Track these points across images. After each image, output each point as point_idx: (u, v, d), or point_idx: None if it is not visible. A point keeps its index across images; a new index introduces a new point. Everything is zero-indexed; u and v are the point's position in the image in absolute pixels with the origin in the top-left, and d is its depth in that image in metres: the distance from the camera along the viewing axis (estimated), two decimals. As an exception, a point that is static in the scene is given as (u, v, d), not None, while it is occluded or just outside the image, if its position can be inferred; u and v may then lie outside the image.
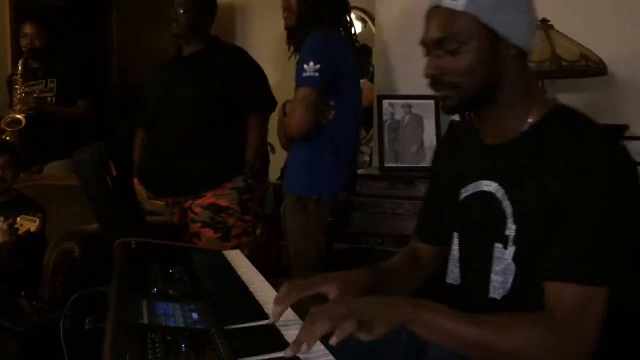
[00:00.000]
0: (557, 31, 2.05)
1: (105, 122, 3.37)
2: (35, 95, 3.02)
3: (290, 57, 2.01)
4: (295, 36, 1.99)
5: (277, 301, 0.95)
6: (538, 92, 1.01)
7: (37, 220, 2.01)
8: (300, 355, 0.79)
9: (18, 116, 2.95)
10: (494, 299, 0.98)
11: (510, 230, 0.96)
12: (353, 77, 2.01)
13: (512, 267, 0.96)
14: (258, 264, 1.30)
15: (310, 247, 1.92)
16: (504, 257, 0.97)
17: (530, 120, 0.98)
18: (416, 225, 1.26)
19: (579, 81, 2.12)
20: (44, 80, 3.08)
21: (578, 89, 2.19)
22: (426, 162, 2.19)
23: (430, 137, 2.21)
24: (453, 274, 1.09)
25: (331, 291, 1.00)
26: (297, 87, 1.84)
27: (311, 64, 1.80)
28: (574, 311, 0.85)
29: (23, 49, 3.08)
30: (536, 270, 0.91)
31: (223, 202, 2.23)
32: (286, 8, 1.97)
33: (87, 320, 1.12)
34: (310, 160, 1.93)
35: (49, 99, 3.05)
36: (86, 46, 3.52)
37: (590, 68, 1.97)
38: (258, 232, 2.59)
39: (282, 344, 0.83)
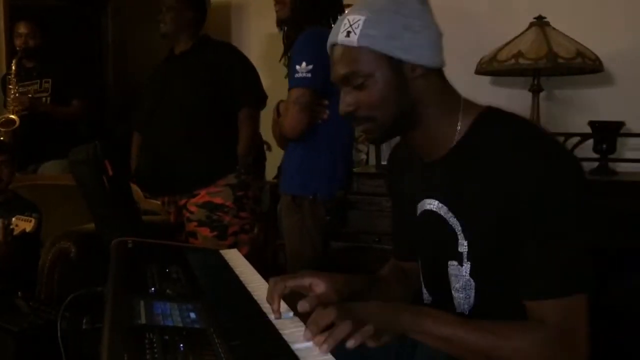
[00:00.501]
0: (554, 28, 2.05)
1: (102, 121, 3.35)
2: (30, 96, 3.00)
3: (281, 59, 2.00)
4: (288, 31, 1.97)
5: (269, 298, 0.97)
6: (460, 101, 0.99)
7: (33, 221, 2.00)
8: (301, 355, 0.79)
9: (12, 116, 2.94)
10: (462, 314, 0.97)
11: (463, 246, 0.95)
12: None
13: (472, 282, 0.95)
14: (255, 263, 1.30)
15: (306, 247, 1.92)
16: (461, 274, 0.96)
17: (458, 129, 0.96)
18: (392, 246, 1.24)
19: (575, 78, 2.13)
20: (38, 81, 3.07)
21: (574, 86, 2.20)
22: (423, 160, 2.19)
23: (426, 135, 2.21)
24: (424, 293, 1.08)
25: (317, 284, 0.99)
26: (290, 88, 1.83)
27: (304, 64, 1.78)
28: (559, 325, 0.85)
29: (17, 48, 3.06)
30: (495, 283, 0.92)
31: (218, 200, 2.23)
32: (278, 0, 1.96)
33: (84, 320, 1.12)
34: (305, 160, 1.93)
35: (43, 99, 3.04)
36: (81, 46, 3.50)
37: (586, 65, 1.97)
38: (255, 230, 2.59)
39: (280, 342, 0.83)
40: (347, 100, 0.98)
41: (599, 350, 0.89)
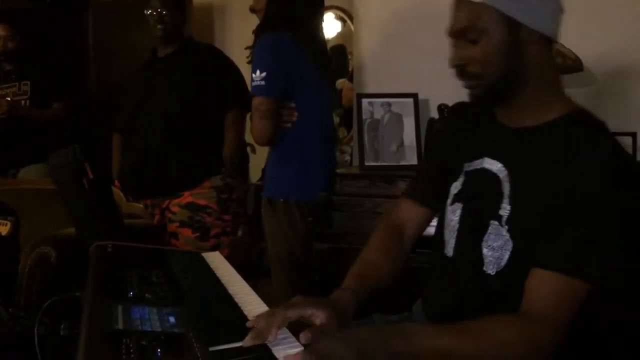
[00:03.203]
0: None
1: (83, 124, 3.31)
2: (9, 99, 2.96)
3: (248, 62, 2.01)
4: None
5: (264, 329, 0.85)
6: (562, 90, 1.04)
7: (8, 224, 1.97)
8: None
9: (-10, 120, 2.89)
10: (489, 275, 0.99)
11: (505, 210, 0.98)
12: (313, 76, 1.97)
13: (510, 244, 0.97)
14: (239, 266, 1.29)
15: (283, 249, 1.92)
16: (501, 234, 0.98)
17: (550, 115, 1.00)
18: (408, 187, 1.26)
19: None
20: (17, 83, 3.02)
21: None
22: (406, 161, 2.19)
23: (410, 136, 2.22)
24: (449, 245, 1.09)
25: (317, 315, 0.93)
26: (250, 96, 1.86)
27: (257, 72, 1.81)
28: (550, 298, 0.88)
29: (-5, 51, 3.02)
30: (531, 250, 0.93)
31: (201, 202, 2.22)
32: (254, 10, 1.96)
33: (62, 326, 1.10)
34: (277, 163, 1.95)
35: (22, 102, 2.99)
36: (62, 48, 3.46)
37: (566, 65, 1.99)
38: (240, 233, 2.57)
39: (260, 347, 0.82)
40: (459, 53, 1.01)
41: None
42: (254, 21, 2.02)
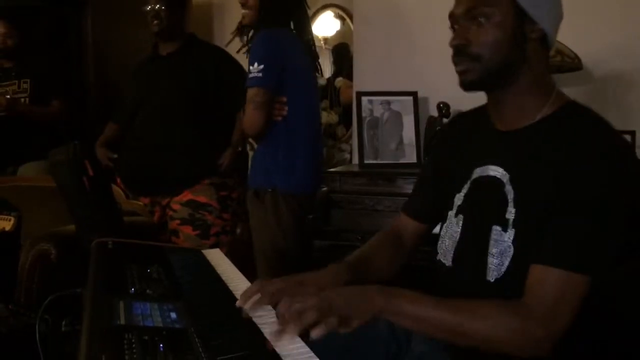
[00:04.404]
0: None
1: (82, 121, 3.31)
2: (8, 96, 2.95)
3: (238, 50, 2.01)
4: (247, 34, 1.99)
5: (243, 298, 0.96)
6: (555, 87, 1.04)
7: (13, 219, 1.97)
8: (283, 354, 0.79)
9: (-11, 118, 2.88)
10: (488, 282, 0.99)
11: (511, 213, 0.98)
12: (306, 74, 2.00)
13: (511, 250, 0.97)
14: (239, 263, 1.29)
15: (267, 241, 1.92)
16: (502, 240, 0.98)
17: (543, 111, 1.01)
18: (407, 201, 1.27)
19: (555, 76, 2.15)
20: (17, 81, 3.02)
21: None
22: (405, 159, 2.20)
23: (409, 134, 2.22)
24: (448, 255, 1.09)
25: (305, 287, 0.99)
26: (246, 88, 1.86)
27: (255, 64, 1.83)
28: (551, 294, 0.88)
29: (-5, 48, 3.01)
30: (532, 254, 0.93)
31: (201, 199, 2.22)
32: (245, 5, 1.97)
33: (63, 323, 1.10)
34: (265, 155, 1.96)
35: (22, 99, 2.99)
36: (61, 45, 3.45)
37: (565, 63, 1.99)
38: (238, 231, 2.58)
39: (261, 342, 0.83)
40: (462, 33, 1.01)
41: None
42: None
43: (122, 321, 0.82)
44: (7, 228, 1.96)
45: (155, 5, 2.22)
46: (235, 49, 2.13)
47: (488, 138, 1.08)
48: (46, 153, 1.87)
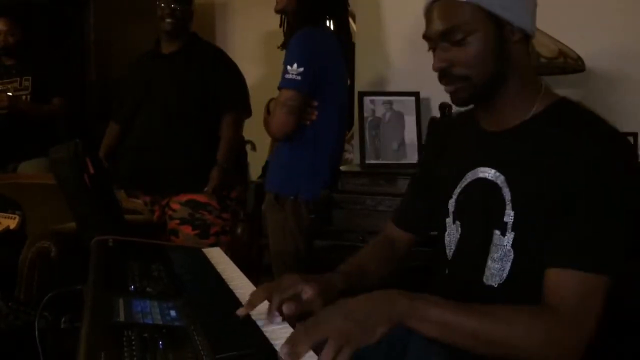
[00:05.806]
0: (536, 28, 2.06)
1: (83, 119, 3.31)
2: (10, 94, 2.95)
3: (280, 46, 1.97)
4: (292, 22, 1.93)
5: (248, 306, 0.92)
6: (542, 84, 1.02)
7: (17, 218, 1.97)
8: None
9: (-9, 115, 2.89)
10: (490, 287, 0.97)
11: (509, 216, 0.96)
12: (340, 77, 1.97)
13: (511, 254, 0.95)
14: (239, 263, 1.29)
15: (288, 246, 1.91)
16: (502, 244, 0.96)
17: (533, 110, 0.99)
18: (396, 210, 1.27)
19: (557, 78, 2.15)
20: (18, 78, 3.02)
21: (556, 85, 2.20)
22: (407, 159, 2.20)
23: (411, 134, 2.22)
24: (446, 260, 1.08)
25: (306, 291, 0.97)
26: (279, 87, 1.83)
27: (295, 66, 1.78)
28: (574, 299, 0.85)
29: (-4, 46, 3.01)
30: (534, 257, 0.91)
31: (201, 198, 2.22)
32: (283, 10, 1.93)
33: (62, 320, 1.10)
34: (289, 160, 1.92)
35: (23, 97, 2.99)
36: (63, 43, 3.45)
37: (568, 65, 1.99)
38: (239, 230, 2.57)
39: (261, 340, 0.82)
40: (443, 56, 0.98)
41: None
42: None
43: (122, 318, 0.82)
44: (12, 226, 1.96)
45: (171, 3, 2.21)
46: (236, 47, 2.11)
47: (477, 140, 1.05)
48: (47, 150, 1.86)
